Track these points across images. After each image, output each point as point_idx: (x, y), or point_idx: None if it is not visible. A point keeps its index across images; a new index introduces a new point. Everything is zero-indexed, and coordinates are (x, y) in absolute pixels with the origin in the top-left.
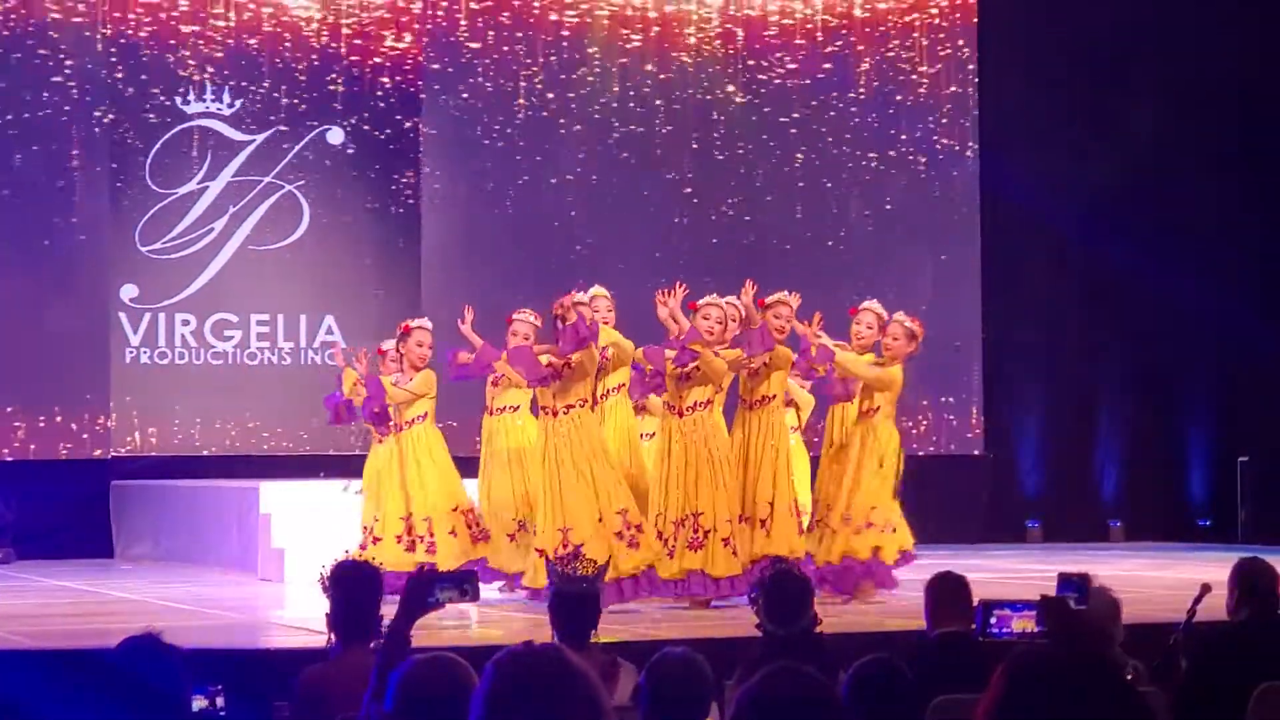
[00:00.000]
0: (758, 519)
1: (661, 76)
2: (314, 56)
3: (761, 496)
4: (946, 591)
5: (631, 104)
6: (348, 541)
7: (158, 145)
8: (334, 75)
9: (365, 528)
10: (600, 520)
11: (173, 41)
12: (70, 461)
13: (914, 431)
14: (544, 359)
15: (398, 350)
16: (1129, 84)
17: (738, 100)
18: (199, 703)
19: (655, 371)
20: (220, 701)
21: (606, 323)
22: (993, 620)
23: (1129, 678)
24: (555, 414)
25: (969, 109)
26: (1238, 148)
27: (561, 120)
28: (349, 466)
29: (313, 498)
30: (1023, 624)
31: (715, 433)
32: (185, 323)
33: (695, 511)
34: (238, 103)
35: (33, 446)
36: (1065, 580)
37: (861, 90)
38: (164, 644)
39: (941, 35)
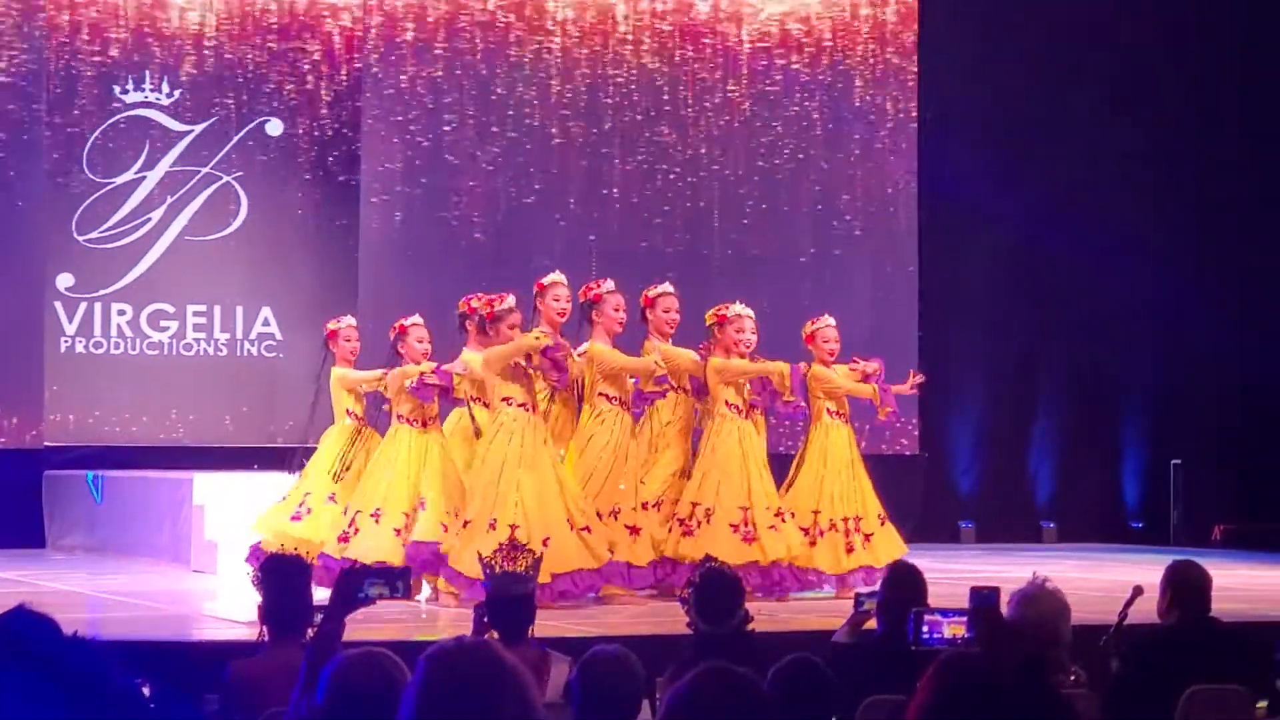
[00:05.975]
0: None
1: (604, 68)
2: (254, 47)
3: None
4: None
5: (575, 95)
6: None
7: (96, 134)
8: (274, 66)
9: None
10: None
11: (112, 30)
12: (2, 451)
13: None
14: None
15: (396, 351)
16: (1071, 81)
17: (677, 97)
18: None
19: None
20: (146, 692)
21: (562, 315)
22: (924, 627)
23: (1072, 680)
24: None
25: (909, 106)
26: (1180, 149)
27: (505, 112)
28: (284, 459)
29: (247, 490)
30: (953, 630)
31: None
32: (121, 313)
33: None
34: (176, 93)
35: None
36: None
37: (800, 88)
38: (33, 611)
39: (883, 32)
